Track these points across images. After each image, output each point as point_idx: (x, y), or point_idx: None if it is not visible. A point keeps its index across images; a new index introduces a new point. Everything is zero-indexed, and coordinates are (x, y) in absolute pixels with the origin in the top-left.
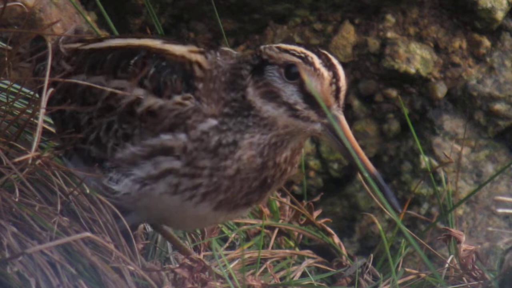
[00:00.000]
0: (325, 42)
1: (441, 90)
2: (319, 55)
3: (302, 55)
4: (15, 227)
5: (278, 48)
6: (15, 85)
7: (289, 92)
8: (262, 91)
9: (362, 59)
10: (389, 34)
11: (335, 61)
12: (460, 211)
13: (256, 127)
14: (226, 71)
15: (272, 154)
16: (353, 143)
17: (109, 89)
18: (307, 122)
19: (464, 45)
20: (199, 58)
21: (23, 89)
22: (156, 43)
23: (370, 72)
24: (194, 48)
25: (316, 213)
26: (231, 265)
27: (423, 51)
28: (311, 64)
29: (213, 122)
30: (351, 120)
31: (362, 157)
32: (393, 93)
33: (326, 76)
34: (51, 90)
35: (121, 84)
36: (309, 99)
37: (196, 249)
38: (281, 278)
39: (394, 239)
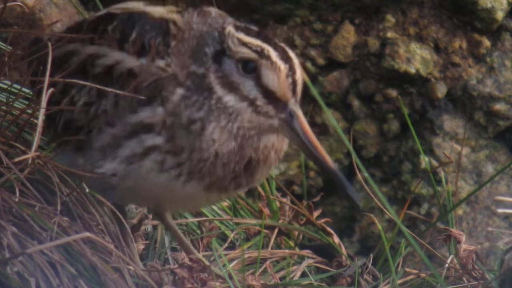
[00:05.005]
0: (325, 42)
1: (441, 90)
2: (276, 48)
3: (258, 49)
4: (15, 227)
5: (238, 40)
6: (15, 85)
7: (248, 87)
8: (222, 81)
9: (362, 59)
10: (389, 34)
11: (291, 54)
12: (460, 211)
13: (222, 113)
14: (195, 37)
15: (246, 142)
16: (312, 139)
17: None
18: (265, 118)
19: (464, 45)
20: (175, 16)
21: (23, 89)
22: (138, 6)
23: (370, 72)
24: (173, 8)
25: (316, 213)
26: (231, 265)
27: (423, 51)
28: (268, 57)
29: (180, 91)
30: (351, 120)
31: (321, 153)
32: (393, 93)
33: (282, 69)
34: (51, 90)
35: (99, 50)
36: (267, 94)
37: (195, 249)
38: (281, 278)
39: (394, 239)
